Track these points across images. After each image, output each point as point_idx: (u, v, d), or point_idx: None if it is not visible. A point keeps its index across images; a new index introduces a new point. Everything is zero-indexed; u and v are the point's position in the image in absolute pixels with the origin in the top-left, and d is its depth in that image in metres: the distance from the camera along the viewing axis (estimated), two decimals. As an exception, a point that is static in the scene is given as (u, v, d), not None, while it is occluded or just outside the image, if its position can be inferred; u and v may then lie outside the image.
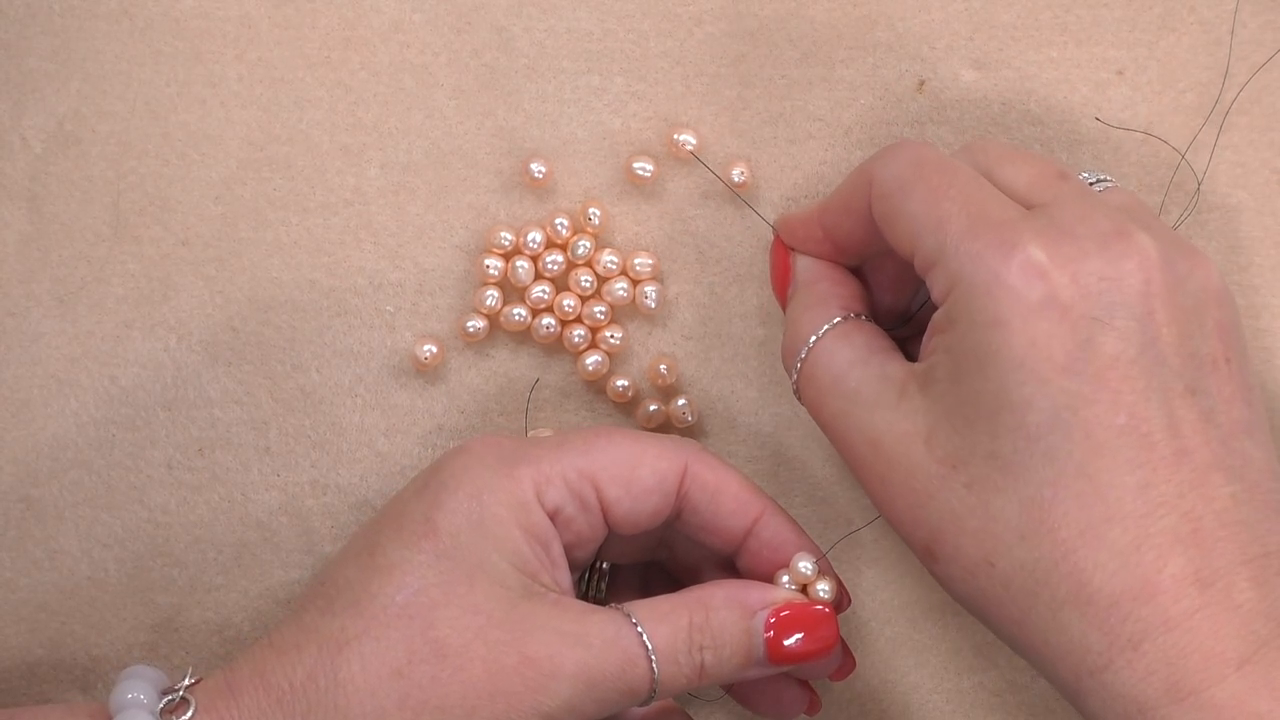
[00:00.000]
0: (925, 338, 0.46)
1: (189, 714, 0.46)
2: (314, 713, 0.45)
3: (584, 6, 0.56)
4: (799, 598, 0.49)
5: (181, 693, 0.47)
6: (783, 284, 0.52)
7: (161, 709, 0.46)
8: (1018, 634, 0.45)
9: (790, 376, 0.50)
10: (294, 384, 0.56)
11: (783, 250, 0.53)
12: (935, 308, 0.47)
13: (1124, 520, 0.43)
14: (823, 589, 0.50)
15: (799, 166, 0.56)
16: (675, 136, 0.55)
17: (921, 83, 0.56)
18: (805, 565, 0.50)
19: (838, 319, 0.49)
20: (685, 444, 0.51)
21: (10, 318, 0.56)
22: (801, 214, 0.53)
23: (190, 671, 0.48)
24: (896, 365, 0.47)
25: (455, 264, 0.56)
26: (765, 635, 0.49)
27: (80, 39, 0.56)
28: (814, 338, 0.49)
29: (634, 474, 0.49)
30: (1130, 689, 0.42)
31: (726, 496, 0.50)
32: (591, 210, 0.55)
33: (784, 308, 0.52)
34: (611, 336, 0.56)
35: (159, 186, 0.56)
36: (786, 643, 0.49)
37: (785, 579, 0.50)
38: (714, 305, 0.56)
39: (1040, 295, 0.43)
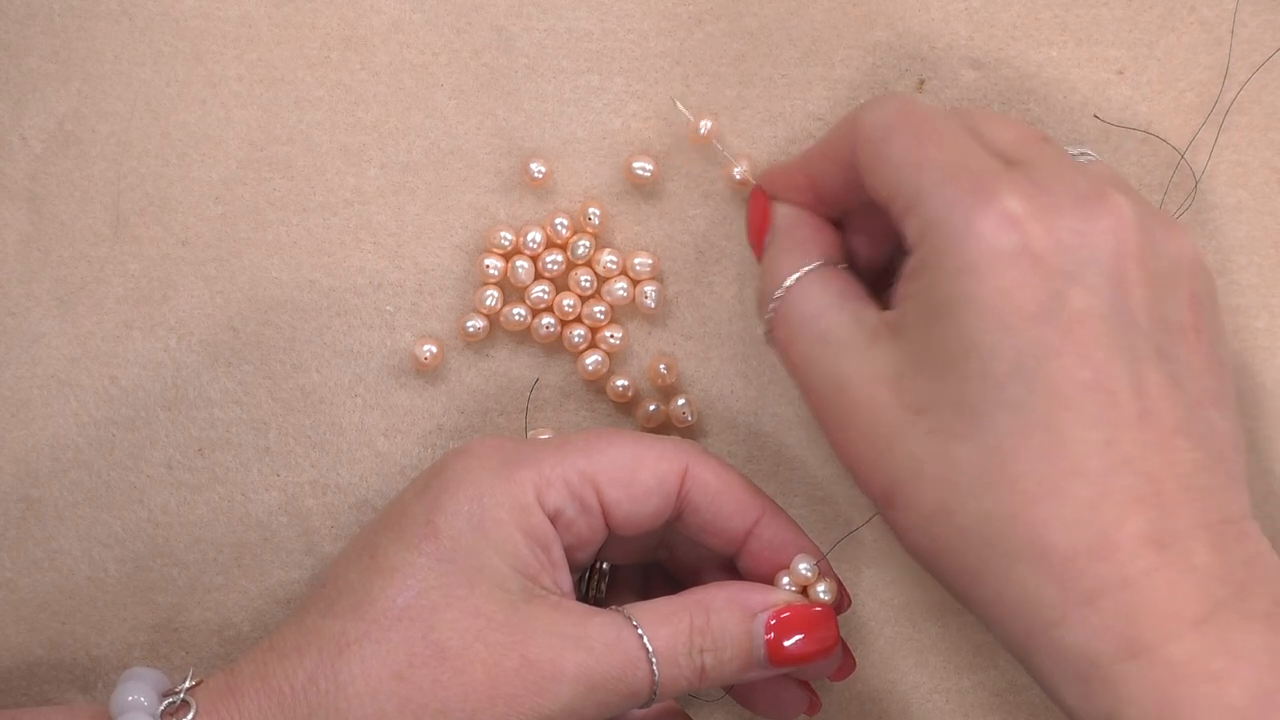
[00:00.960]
0: (897, 284, 0.46)
1: (190, 716, 0.46)
2: (315, 716, 0.46)
3: (584, 6, 0.56)
4: (799, 599, 0.49)
5: (182, 695, 0.47)
6: (760, 231, 0.52)
7: (162, 711, 0.46)
8: (970, 587, 0.44)
9: (762, 318, 0.50)
10: (294, 384, 0.56)
11: (762, 199, 0.52)
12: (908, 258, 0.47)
13: (1085, 475, 0.43)
14: (823, 590, 0.50)
15: (799, 166, 0.56)
16: (700, 125, 0.55)
17: (921, 82, 0.56)
18: (805, 567, 0.50)
19: (816, 264, 0.49)
20: (686, 445, 0.51)
21: (10, 318, 0.56)
22: (785, 163, 0.53)
23: (191, 673, 0.48)
24: (870, 312, 0.47)
25: (455, 264, 0.56)
26: (766, 637, 0.49)
27: (80, 39, 0.56)
28: (791, 279, 0.49)
29: (634, 476, 0.49)
30: (1083, 644, 0.42)
31: (727, 498, 0.50)
32: (591, 210, 0.55)
33: (758, 255, 0.52)
34: (611, 336, 0.56)
35: (159, 186, 0.56)
36: (787, 644, 0.49)
37: (786, 580, 0.50)
38: (714, 305, 0.56)
39: (1013, 244, 0.43)
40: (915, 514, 0.45)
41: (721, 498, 0.50)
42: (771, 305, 0.49)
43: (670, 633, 0.48)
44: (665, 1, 0.56)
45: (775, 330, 0.49)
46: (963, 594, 0.45)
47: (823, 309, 0.48)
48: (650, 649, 0.47)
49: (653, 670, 0.47)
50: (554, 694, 0.46)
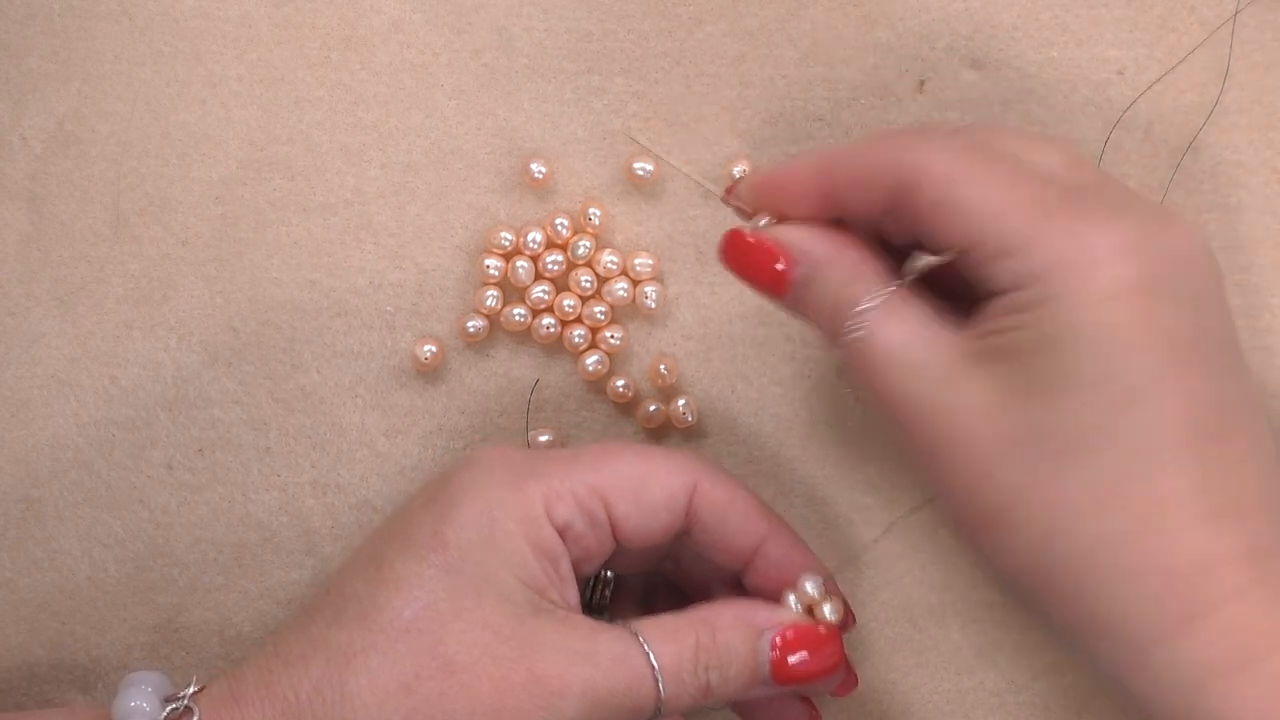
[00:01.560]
0: (991, 313, 0.45)
1: None
2: None
3: (584, 6, 0.56)
4: (805, 619, 0.50)
5: (186, 701, 0.47)
6: (767, 263, 0.48)
7: (165, 717, 0.46)
8: (1069, 608, 0.44)
9: (834, 351, 0.48)
10: (294, 384, 0.56)
11: (743, 238, 0.49)
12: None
13: (1184, 496, 0.43)
14: (829, 610, 0.50)
15: (799, 166, 0.56)
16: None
17: (922, 83, 0.56)
18: (812, 586, 0.50)
19: (882, 291, 0.47)
20: (696, 461, 0.51)
21: (10, 318, 0.56)
22: (790, 172, 0.49)
23: (194, 679, 0.48)
24: (951, 335, 0.46)
25: (455, 264, 0.56)
26: (771, 655, 0.49)
27: (80, 39, 0.56)
28: (862, 309, 0.47)
29: (644, 491, 0.49)
30: (1188, 661, 0.42)
31: (735, 515, 0.50)
32: (591, 210, 0.55)
33: (781, 292, 0.49)
34: (611, 336, 0.56)
35: (159, 186, 0.56)
36: (791, 662, 0.49)
37: (792, 599, 0.50)
38: (714, 305, 0.56)
39: (1124, 274, 0.43)
40: (1019, 539, 0.44)
41: (730, 514, 0.50)
42: (845, 340, 0.47)
43: (676, 650, 0.48)
44: (665, 2, 0.56)
45: (852, 366, 0.48)
46: (1062, 617, 0.45)
47: (905, 339, 0.46)
48: (656, 666, 0.47)
49: (658, 687, 0.47)
50: (560, 709, 0.46)
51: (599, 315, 0.56)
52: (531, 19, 0.56)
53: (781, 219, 0.49)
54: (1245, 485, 0.44)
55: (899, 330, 0.46)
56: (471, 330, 0.56)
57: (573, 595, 0.49)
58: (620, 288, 0.56)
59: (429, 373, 0.56)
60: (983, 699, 0.56)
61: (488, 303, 0.56)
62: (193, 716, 0.46)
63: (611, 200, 0.56)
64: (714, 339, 0.56)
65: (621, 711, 0.47)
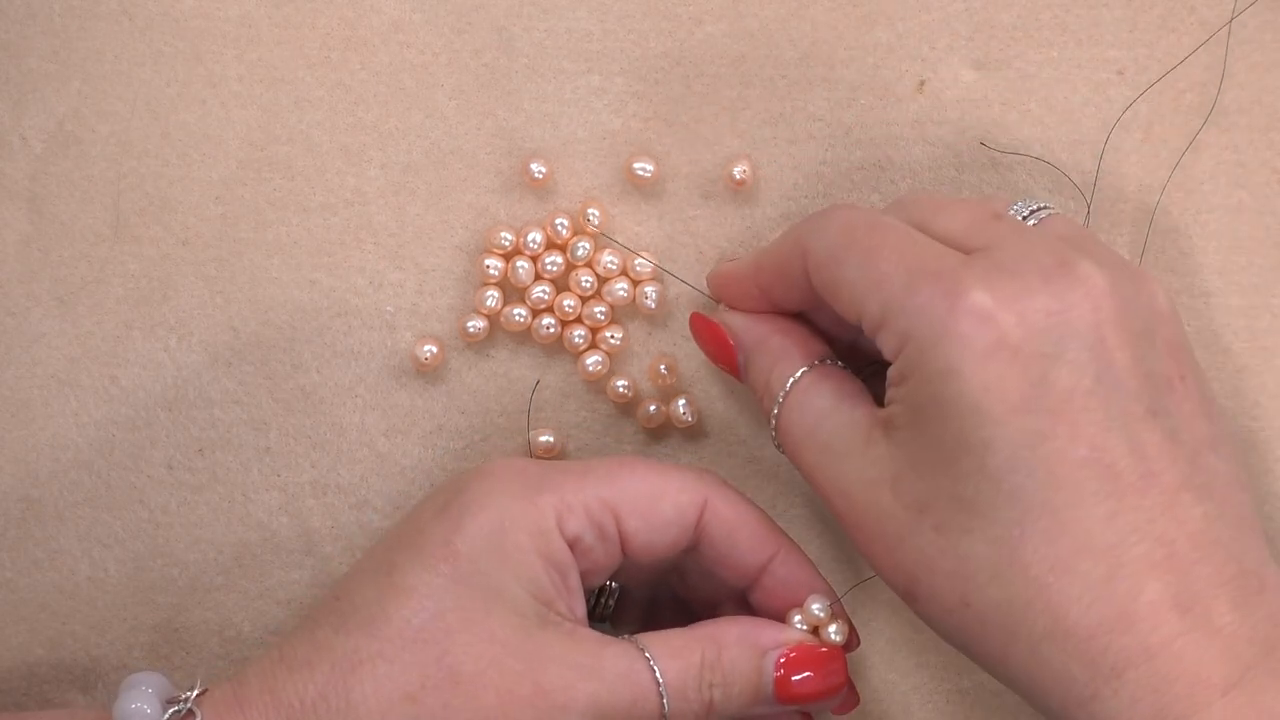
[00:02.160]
0: (887, 387, 0.47)
1: None
2: None
3: (584, 6, 0.56)
4: (810, 639, 0.50)
5: (188, 704, 0.47)
6: (726, 352, 0.52)
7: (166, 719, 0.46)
8: (1001, 670, 0.45)
9: (770, 432, 0.50)
10: (294, 384, 0.56)
11: (708, 324, 0.53)
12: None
13: (1094, 552, 0.43)
14: (834, 631, 0.50)
15: (799, 166, 0.56)
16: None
17: (922, 83, 0.56)
18: (818, 608, 0.50)
19: (802, 370, 0.50)
20: (706, 478, 0.51)
21: (10, 318, 0.56)
22: (732, 271, 0.53)
23: (198, 682, 0.47)
24: (862, 411, 0.48)
25: (455, 264, 0.56)
26: (775, 675, 0.49)
27: (80, 39, 0.56)
28: (782, 393, 0.49)
29: (655, 506, 0.49)
30: (1118, 718, 0.42)
31: (744, 533, 0.50)
32: (591, 211, 0.55)
33: (735, 374, 0.52)
34: (612, 337, 0.56)
35: (159, 186, 0.56)
36: (795, 681, 0.49)
37: (797, 619, 0.50)
38: (714, 306, 0.56)
39: (989, 339, 0.43)
40: (936, 607, 0.45)
41: (738, 532, 0.50)
42: (772, 421, 0.50)
43: (681, 666, 0.48)
44: (665, 2, 0.56)
45: (783, 441, 0.50)
46: (997, 676, 0.45)
47: (819, 417, 0.48)
48: (661, 682, 0.47)
49: (662, 703, 0.47)
50: None
51: (599, 315, 0.56)
52: (531, 19, 0.56)
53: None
54: (1176, 531, 0.43)
55: (811, 409, 0.48)
56: (471, 330, 0.56)
57: (580, 607, 0.49)
58: (620, 288, 0.56)
59: (429, 373, 0.56)
60: (983, 699, 0.56)
61: (488, 303, 0.56)
62: (194, 719, 0.46)
63: (611, 200, 0.56)
64: (714, 339, 0.56)
65: None
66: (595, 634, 0.48)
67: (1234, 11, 0.55)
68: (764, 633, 0.49)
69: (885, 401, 0.47)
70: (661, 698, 0.47)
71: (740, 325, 0.52)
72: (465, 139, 0.56)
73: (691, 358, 0.56)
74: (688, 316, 0.55)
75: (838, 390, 0.49)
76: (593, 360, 0.56)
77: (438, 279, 0.56)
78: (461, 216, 0.56)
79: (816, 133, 0.56)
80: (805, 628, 0.50)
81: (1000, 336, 0.43)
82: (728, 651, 0.49)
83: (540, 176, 0.56)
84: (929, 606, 0.45)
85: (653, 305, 0.56)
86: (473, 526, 0.47)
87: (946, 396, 0.44)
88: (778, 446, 0.50)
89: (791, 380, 0.49)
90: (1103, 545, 0.43)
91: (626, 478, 0.49)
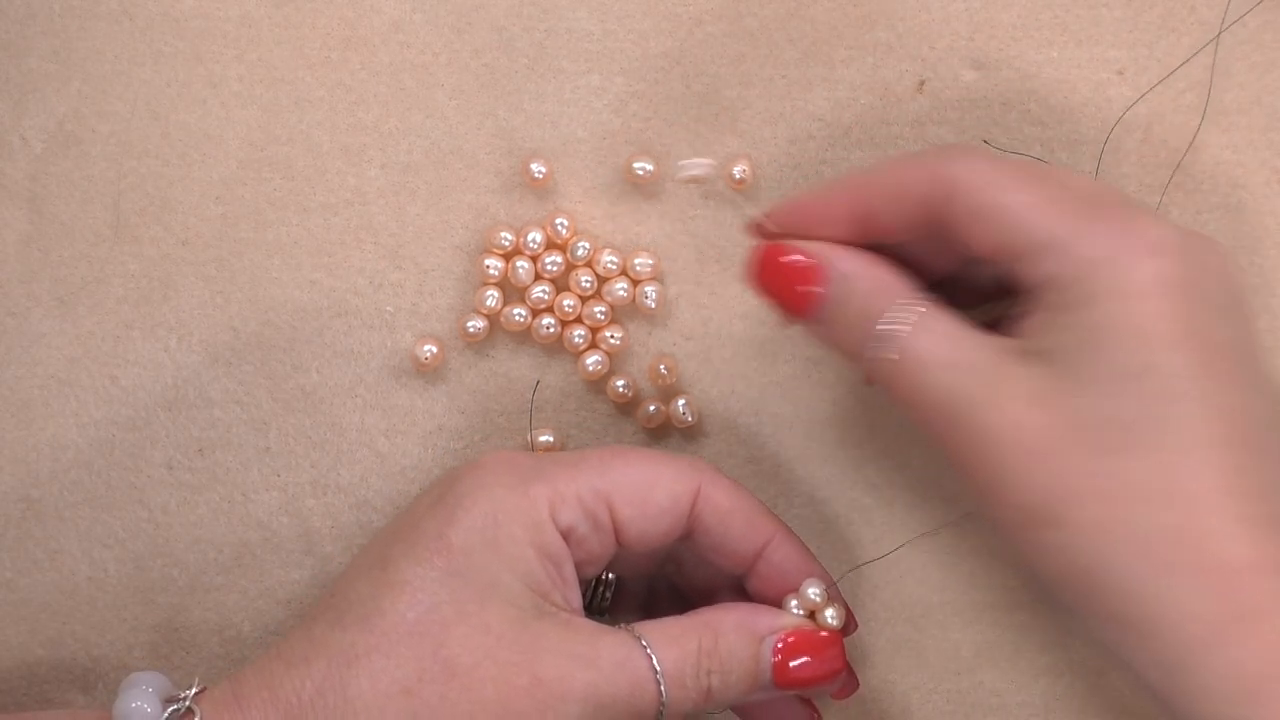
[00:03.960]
0: (1026, 316, 0.46)
1: None
2: None
3: (584, 6, 0.56)
4: (807, 624, 0.50)
5: (187, 702, 0.47)
6: (805, 279, 0.48)
7: (166, 718, 0.46)
8: (1120, 607, 0.43)
9: (864, 356, 0.47)
10: (294, 384, 0.56)
11: (782, 249, 0.49)
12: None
13: (1249, 493, 0.42)
14: (830, 615, 0.50)
15: (799, 166, 0.56)
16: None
17: (922, 83, 0.56)
18: (814, 592, 0.50)
19: (914, 299, 0.47)
20: (699, 466, 0.51)
21: (10, 318, 0.56)
22: (816, 196, 0.49)
23: (196, 681, 0.48)
24: (992, 339, 0.46)
25: (455, 264, 0.56)
26: (772, 660, 0.49)
27: (80, 39, 0.56)
28: (896, 314, 0.47)
29: (648, 495, 0.49)
30: (1246, 661, 0.41)
31: (738, 520, 0.50)
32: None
33: (804, 312, 0.49)
34: (611, 336, 0.56)
35: (159, 187, 0.56)
36: (793, 667, 0.49)
37: (794, 604, 0.50)
38: (714, 305, 0.56)
39: (1164, 273, 0.44)
40: (1071, 531, 0.44)
41: (733, 519, 0.50)
42: (874, 343, 0.47)
43: (679, 654, 0.48)
44: (665, 1, 0.56)
45: (882, 368, 0.47)
46: (1106, 615, 0.44)
47: (941, 341, 0.46)
48: (659, 670, 0.47)
49: (660, 691, 0.47)
50: (562, 712, 0.46)
51: (599, 315, 0.56)
52: (532, 19, 0.56)
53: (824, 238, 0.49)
54: (1276, 498, 0.43)
55: (939, 334, 0.46)
56: (471, 330, 0.56)
57: (575, 598, 0.49)
58: (620, 287, 0.56)
59: (429, 373, 0.56)
60: (983, 699, 0.56)
61: (488, 303, 0.56)
62: (194, 718, 0.46)
63: (611, 200, 0.56)
64: (714, 339, 0.56)
65: (624, 715, 0.47)
66: (591, 624, 0.48)
67: (1224, 20, 0.55)
68: (761, 619, 0.49)
69: (1026, 331, 0.45)
70: (659, 685, 0.47)
71: (832, 253, 0.48)
72: (465, 139, 0.56)
73: (692, 357, 0.56)
74: (687, 313, 0.55)
75: (954, 319, 0.47)
76: (592, 360, 0.56)
77: (438, 279, 0.56)
78: (461, 216, 0.56)
79: (816, 132, 0.56)
80: (802, 613, 0.50)
81: (1173, 273, 0.44)
82: (725, 638, 0.48)
83: (540, 176, 0.56)
84: (1061, 531, 0.44)
85: (653, 305, 0.56)
86: (466, 520, 0.47)
87: (1118, 318, 0.43)
88: (875, 377, 0.47)
89: (905, 305, 0.47)
90: (1256, 488, 0.43)
91: (619, 467, 0.49)
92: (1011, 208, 0.45)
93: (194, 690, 0.47)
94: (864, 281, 0.48)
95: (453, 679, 0.46)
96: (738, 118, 0.56)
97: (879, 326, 0.47)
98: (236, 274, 0.56)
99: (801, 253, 0.48)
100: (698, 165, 0.52)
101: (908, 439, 0.56)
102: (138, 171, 0.56)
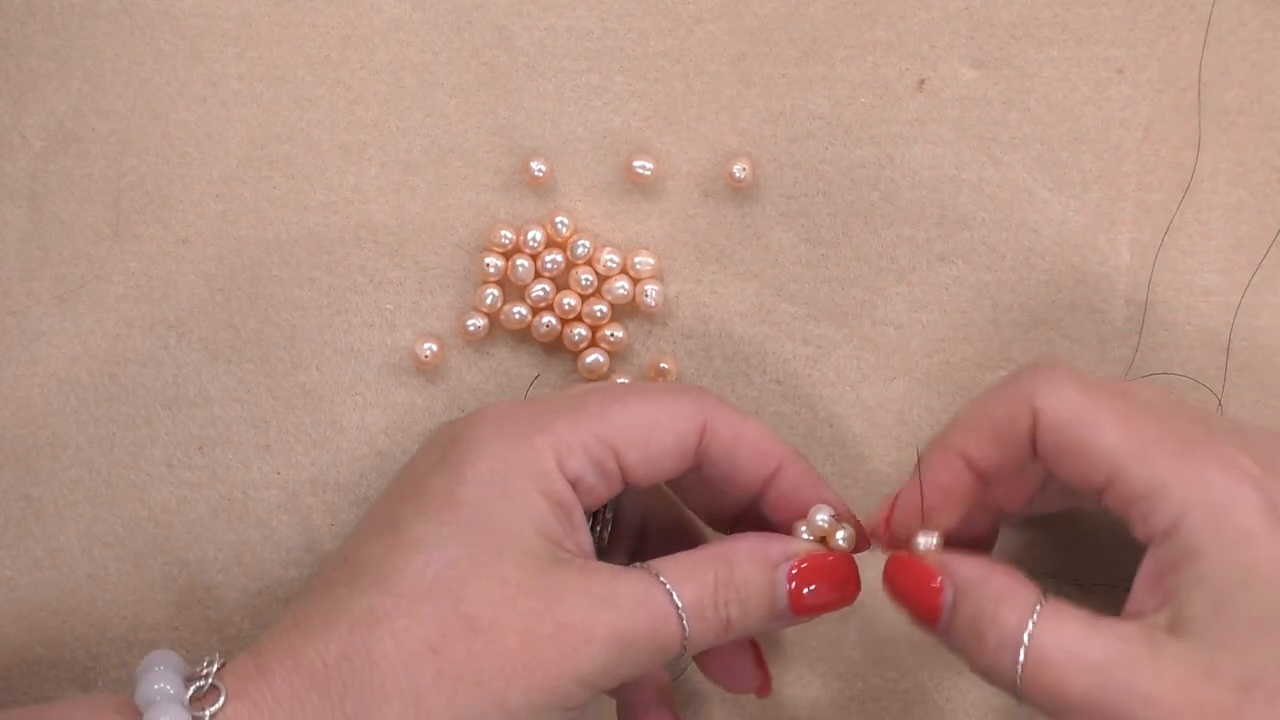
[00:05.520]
0: (1145, 586, 0.45)
1: (220, 701, 0.45)
2: (350, 692, 0.45)
3: (584, 5, 0.56)
4: (819, 549, 0.49)
5: (210, 680, 0.46)
6: (927, 595, 0.48)
7: (190, 698, 0.46)
8: None
9: (1009, 674, 0.46)
10: (294, 382, 0.56)
11: (908, 563, 0.49)
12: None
13: None
14: (842, 538, 0.50)
15: (799, 165, 0.56)
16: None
17: (922, 81, 0.56)
18: (822, 518, 0.50)
19: (1040, 601, 0.46)
20: (703, 398, 0.50)
21: (11, 316, 0.56)
22: (926, 472, 0.49)
23: (216, 656, 0.47)
24: (1127, 626, 0.45)
25: (455, 262, 0.57)
26: (788, 587, 0.49)
27: (80, 38, 0.56)
28: (1030, 624, 0.46)
29: (653, 437, 0.49)
30: None
31: (745, 448, 0.50)
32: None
33: (932, 620, 0.48)
34: (611, 335, 0.56)
35: (159, 185, 0.56)
36: (807, 592, 0.49)
37: (803, 530, 0.50)
38: (714, 304, 0.56)
39: (1267, 503, 0.43)
40: None
41: (740, 449, 0.50)
42: (1019, 662, 0.45)
43: (696, 587, 0.48)
44: (665, 0, 0.56)
45: (1033, 683, 0.45)
46: None
47: (1081, 641, 0.45)
48: (679, 604, 0.47)
49: (683, 625, 0.47)
50: (588, 655, 0.46)
51: (599, 314, 0.56)
52: (531, 17, 0.56)
53: (945, 530, 0.49)
54: None
55: (1065, 639, 0.45)
56: (471, 329, 0.56)
57: (586, 542, 0.49)
58: (620, 286, 0.56)
59: (429, 371, 0.56)
60: (982, 698, 0.56)
61: (487, 301, 0.56)
62: (219, 694, 0.46)
63: (611, 199, 0.56)
64: (714, 338, 0.56)
65: (648, 653, 0.47)
66: (608, 565, 0.48)
67: (1209, 12, 0.55)
68: (773, 547, 0.49)
69: (1153, 598, 0.45)
70: (681, 620, 0.47)
71: (956, 564, 0.48)
72: (465, 137, 0.56)
73: (691, 357, 0.56)
74: (686, 314, 0.55)
75: (1079, 615, 0.46)
76: (592, 358, 0.56)
77: (437, 277, 0.56)
78: (461, 215, 0.56)
79: (816, 131, 0.56)
80: (811, 538, 0.50)
81: (1275, 499, 0.43)
82: (740, 569, 0.48)
83: (540, 175, 0.56)
84: None
85: (653, 304, 0.56)
86: (473, 474, 0.47)
87: (1252, 561, 0.43)
88: (1017, 690, 0.46)
89: (1037, 610, 0.45)
90: None
91: (621, 410, 0.49)
92: (1100, 448, 0.45)
93: (214, 666, 0.47)
94: (983, 591, 0.47)
95: (477, 634, 0.45)
96: (738, 117, 0.56)
97: (1013, 643, 0.46)
98: (236, 272, 0.56)
99: (918, 567, 0.48)
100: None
101: (907, 439, 0.56)
102: (138, 170, 0.56)
